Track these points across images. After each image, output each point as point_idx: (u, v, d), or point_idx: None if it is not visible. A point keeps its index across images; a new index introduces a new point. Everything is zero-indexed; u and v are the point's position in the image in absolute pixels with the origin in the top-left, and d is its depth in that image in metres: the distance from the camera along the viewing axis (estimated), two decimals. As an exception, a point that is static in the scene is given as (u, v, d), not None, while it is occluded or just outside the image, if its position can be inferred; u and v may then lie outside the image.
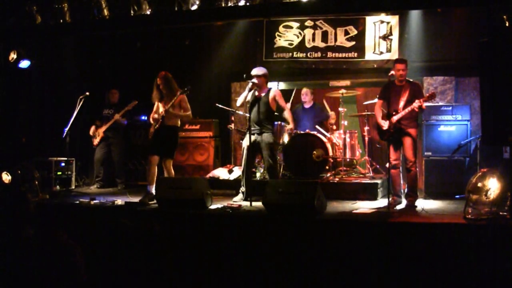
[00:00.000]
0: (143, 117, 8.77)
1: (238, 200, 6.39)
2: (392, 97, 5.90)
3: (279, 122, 7.49)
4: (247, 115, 6.68)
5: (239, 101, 6.63)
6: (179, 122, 6.61)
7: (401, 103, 5.92)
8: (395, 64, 6.06)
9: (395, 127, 5.94)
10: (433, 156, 6.94)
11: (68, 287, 2.05)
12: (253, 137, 6.39)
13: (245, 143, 6.50)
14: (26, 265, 2.02)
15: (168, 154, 6.48)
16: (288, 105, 6.75)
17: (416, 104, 5.78)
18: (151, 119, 6.55)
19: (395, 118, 5.90)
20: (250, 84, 6.48)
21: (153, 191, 6.32)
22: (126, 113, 8.17)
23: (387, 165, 6.02)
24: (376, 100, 6.53)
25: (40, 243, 2.08)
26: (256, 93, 6.60)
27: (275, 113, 6.76)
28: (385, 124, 5.98)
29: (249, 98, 6.55)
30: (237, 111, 7.89)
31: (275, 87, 6.78)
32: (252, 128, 6.41)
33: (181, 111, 6.47)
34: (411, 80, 6.13)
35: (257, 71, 6.61)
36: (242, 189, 6.52)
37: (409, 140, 5.93)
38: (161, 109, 6.41)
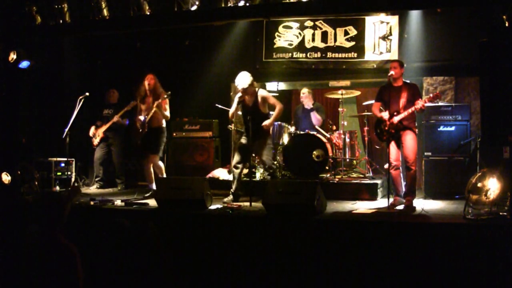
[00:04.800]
0: (142, 118, 8.76)
1: (228, 201, 6.32)
2: (391, 98, 5.91)
3: (279, 123, 7.49)
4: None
5: (231, 113, 6.56)
6: (164, 122, 6.83)
7: (401, 104, 5.93)
8: (390, 64, 6.13)
9: (395, 127, 5.94)
10: (433, 156, 6.93)
11: (66, 286, 2.05)
12: (248, 141, 6.39)
13: (242, 141, 6.48)
14: (25, 265, 2.03)
15: (153, 150, 6.71)
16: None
17: (418, 104, 5.78)
18: (137, 123, 6.74)
19: (396, 118, 5.90)
20: (238, 97, 6.37)
21: (154, 187, 6.60)
22: (126, 113, 8.17)
23: (386, 166, 6.03)
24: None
25: (39, 243, 2.08)
26: (246, 102, 6.47)
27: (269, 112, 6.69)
28: (384, 115, 5.97)
29: (240, 109, 6.43)
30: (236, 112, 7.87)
31: (261, 89, 6.55)
32: (248, 139, 6.36)
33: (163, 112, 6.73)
34: (408, 81, 6.16)
35: (242, 82, 6.31)
36: (232, 190, 6.46)
37: (410, 140, 5.93)
38: (143, 111, 6.69)
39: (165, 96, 6.59)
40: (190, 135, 8.50)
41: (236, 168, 6.43)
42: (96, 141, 8.21)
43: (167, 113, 6.74)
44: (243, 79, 6.33)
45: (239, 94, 6.39)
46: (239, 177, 6.45)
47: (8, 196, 6.66)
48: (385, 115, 5.98)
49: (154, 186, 6.67)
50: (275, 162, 7.10)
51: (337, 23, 8.33)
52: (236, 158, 6.45)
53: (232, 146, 8.18)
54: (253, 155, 6.89)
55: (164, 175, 6.80)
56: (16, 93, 8.07)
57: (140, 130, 6.67)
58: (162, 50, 8.86)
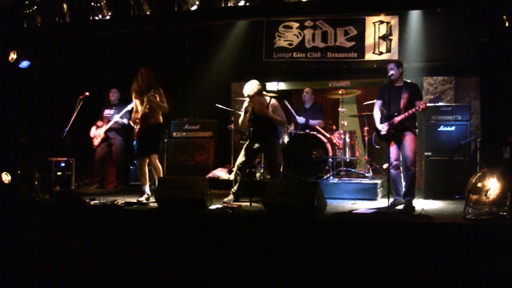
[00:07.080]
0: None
1: (228, 201, 6.30)
2: (392, 98, 5.90)
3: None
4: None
5: (240, 122, 6.49)
6: (161, 118, 6.54)
7: (402, 104, 5.92)
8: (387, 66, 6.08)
9: (396, 128, 5.94)
10: (433, 156, 6.93)
11: (70, 285, 2.06)
12: (257, 144, 6.38)
13: (248, 144, 6.43)
14: (31, 266, 2.03)
15: (151, 149, 6.46)
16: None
17: (419, 105, 5.76)
18: (131, 121, 6.57)
19: (397, 119, 5.89)
20: (245, 105, 6.30)
21: (147, 190, 6.40)
22: (127, 113, 8.18)
23: (384, 166, 6.03)
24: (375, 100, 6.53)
25: (45, 246, 2.08)
26: (255, 109, 6.37)
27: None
28: (383, 129, 5.98)
29: (248, 116, 6.33)
30: (237, 111, 7.87)
31: (274, 100, 6.47)
32: (256, 144, 6.34)
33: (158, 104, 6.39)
34: (409, 81, 6.14)
35: (248, 90, 6.22)
36: (233, 190, 6.42)
37: (410, 140, 5.92)
38: (140, 108, 6.41)
39: (152, 91, 6.26)
40: (190, 135, 8.51)
41: (240, 169, 6.38)
42: (96, 141, 8.22)
43: (164, 104, 6.38)
44: (248, 87, 6.24)
45: (246, 104, 6.30)
46: (242, 178, 6.42)
47: (8, 196, 6.66)
48: (383, 128, 5.98)
49: (147, 189, 6.41)
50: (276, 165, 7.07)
51: (337, 23, 8.34)
52: (241, 158, 6.40)
53: (232, 146, 8.20)
54: (258, 155, 6.86)
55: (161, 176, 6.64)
56: (16, 93, 8.08)
57: (134, 127, 6.51)
58: (162, 50, 8.86)
